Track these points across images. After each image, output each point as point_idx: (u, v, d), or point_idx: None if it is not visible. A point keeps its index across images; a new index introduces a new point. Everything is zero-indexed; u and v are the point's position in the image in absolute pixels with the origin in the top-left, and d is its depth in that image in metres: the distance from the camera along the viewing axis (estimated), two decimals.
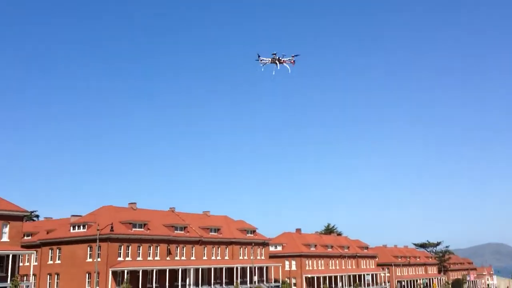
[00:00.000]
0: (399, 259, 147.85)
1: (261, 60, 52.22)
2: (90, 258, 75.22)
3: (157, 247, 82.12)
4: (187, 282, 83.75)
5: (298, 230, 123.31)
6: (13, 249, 62.88)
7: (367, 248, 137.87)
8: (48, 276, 78.63)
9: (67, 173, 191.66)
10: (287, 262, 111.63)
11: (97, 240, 70.10)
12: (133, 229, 79.51)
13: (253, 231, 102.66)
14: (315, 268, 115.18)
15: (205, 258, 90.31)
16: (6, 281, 60.38)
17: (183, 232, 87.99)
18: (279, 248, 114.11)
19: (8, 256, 61.89)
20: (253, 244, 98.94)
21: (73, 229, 79.57)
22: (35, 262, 69.80)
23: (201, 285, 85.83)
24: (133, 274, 75.01)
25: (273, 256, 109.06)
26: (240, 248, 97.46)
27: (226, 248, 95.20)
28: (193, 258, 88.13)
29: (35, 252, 68.12)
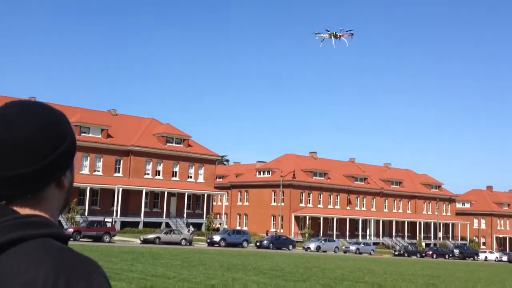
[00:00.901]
0: None
1: (321, 36, 54.10)
2: (274, 202, 79.38)
3: (337, 196, 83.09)
4: (368, 232, 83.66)
5: (489, 188, 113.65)
6: (208, 189, 69.34)
7: None
8: (238, 215, 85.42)
9: (254, 122, 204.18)
10: (475, 220, 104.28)
11: (281, 186, 73.37)
12: (314, 177, 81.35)
13: (438, 186, 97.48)
14: (507, 228, 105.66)
15: (385, 210, 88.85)
16: (202, 218, 67.14)
17: (363, 183, 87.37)
18: (467, 205, 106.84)
19: (203, 195, 68.50)
20: (437, 200, 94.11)
21: (258, 174, 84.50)
22: (226, 202, 76.06)
23: (382, 237, 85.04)
24: (314, 220, 77.29)
25: (460, 213, 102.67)
26: (424, 202, 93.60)
27: (408, 201, 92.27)
28: (373, 209, 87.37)
29: (226, 193, 74.14)
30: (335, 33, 54.18)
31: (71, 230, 42.38)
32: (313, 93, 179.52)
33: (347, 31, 53.83)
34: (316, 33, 54.10)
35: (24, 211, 1.09)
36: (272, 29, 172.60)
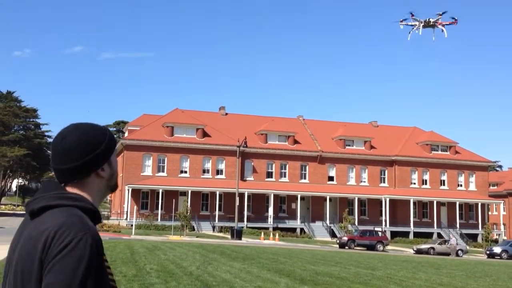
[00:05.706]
0: None
1: (408, 24, 38.79)
2: None
3: None
4: None
5: None
6: (481, 198, 64.25)
7: None
8: None
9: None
10: None
11: None
12: None
13: None
14: None
15: None
16: (477, 228, 62.46)
17: None
18: None
19: (477, 204, 63.75)
20: None
21: None
22: (503, 211, 69.16)
23: None
24: None
25: None
26: None
27: None
28: None
29: (502, 201, 67.44)
30: (428, 19, 39.40)
31: (345, 238, 44.42)
32: None
33: (440, 15, 39.11)
34: (401, 21, 40.68)
35: (72, 190, 1.74)
36: None
